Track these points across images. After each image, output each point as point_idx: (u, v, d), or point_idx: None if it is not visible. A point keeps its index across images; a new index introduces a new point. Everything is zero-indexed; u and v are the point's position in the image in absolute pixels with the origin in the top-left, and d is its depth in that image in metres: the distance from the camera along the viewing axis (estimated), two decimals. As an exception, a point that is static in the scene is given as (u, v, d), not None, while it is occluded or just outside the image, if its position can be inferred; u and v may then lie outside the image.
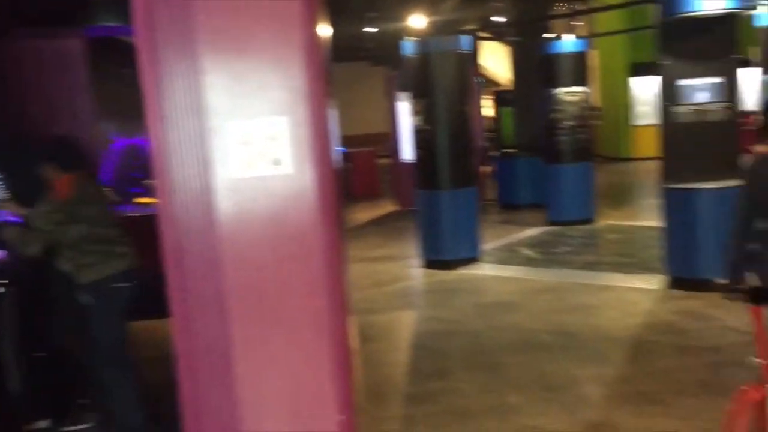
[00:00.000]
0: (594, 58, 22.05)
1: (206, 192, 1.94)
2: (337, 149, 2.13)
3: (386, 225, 11.85)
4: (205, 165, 1.94)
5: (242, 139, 1.93)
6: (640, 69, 17.50)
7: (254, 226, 1.94)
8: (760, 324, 3.25)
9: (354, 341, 2.19)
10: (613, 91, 19.45)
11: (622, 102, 18.97)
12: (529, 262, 8.36)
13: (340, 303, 2.04)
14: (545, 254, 8.65)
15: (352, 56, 23.41)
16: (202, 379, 2.03)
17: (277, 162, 1.94)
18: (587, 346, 5.40)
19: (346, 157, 14.77)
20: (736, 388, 3.29)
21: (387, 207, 13.51)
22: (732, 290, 3.33)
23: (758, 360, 3.27)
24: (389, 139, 14.08)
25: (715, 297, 5.78)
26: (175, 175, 1.95)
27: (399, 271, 8.36)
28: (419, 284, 7.96)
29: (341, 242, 2.11)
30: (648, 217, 9.60)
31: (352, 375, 2.14)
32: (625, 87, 18.81)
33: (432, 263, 8.19)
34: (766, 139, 3.41)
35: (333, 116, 2.10)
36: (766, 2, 8.16)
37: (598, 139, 20.53)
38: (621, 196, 13.14)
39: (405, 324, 6.31)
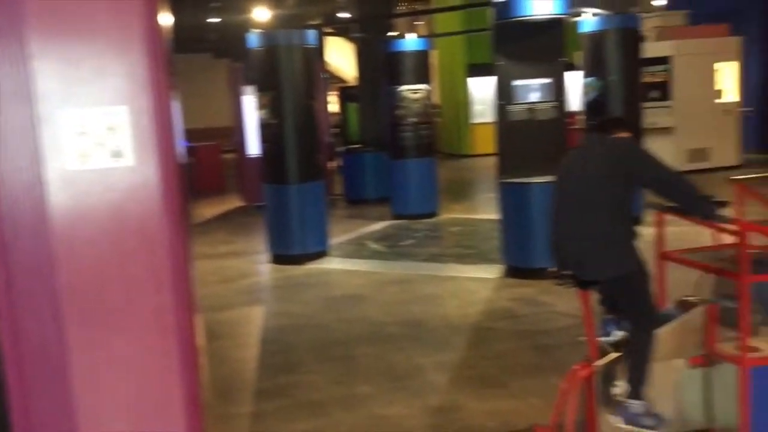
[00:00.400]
0: (435, 58, 22.88)
1: (37, 185, 1.81)
2: (181, 141, 2.06)
3: (232, 220, 11.62)
4: (34, 156, 1.81)
5: (77, 129, 1.82)
6: (478, 69, 18.31)
7: (93, 220, 1.84)
8: (587, 307, 3.54)
9: (201, 338, 2.13)
10: (452, 90, 20.24)
11: (461, 101, 19.78)
12: (376, 255, 8.52)
13: (186, 299, 1.97)
14: (391, 247, 8.85)
15: (194, 47, 22.67)
16: (33, 385, 1.89)
17: (117, 154, 1.84)
18: (432, 335, 5.60)
19: (190, 151, 14.30)
20: (567, 368, 3.56)
21: (233, 202, 13.24)
22: (560, 277, 3.58)
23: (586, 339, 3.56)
24: (234, 132, 13.80)
25: (547, 284, 6.17)
26: None
27: (246, 267, 8.24)
28: (267, 279, 7.88)
29: (187, 237, 2.05)
30: (487, 210, 10.09)
31: (199, 373, 2.08)
32: (464, 86, 19.62)
33: (280, 258, 8.13)
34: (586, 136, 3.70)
35: (177, 107, 2.03)
36: (587, 10, 8.83)
37: (440, 137, 21.35)
38: (462, 191, 13.72)
39: (253, 320, 6.23)
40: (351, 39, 14.05)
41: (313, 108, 8.13)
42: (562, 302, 5.82)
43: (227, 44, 17.31)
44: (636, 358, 3.41)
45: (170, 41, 2.07)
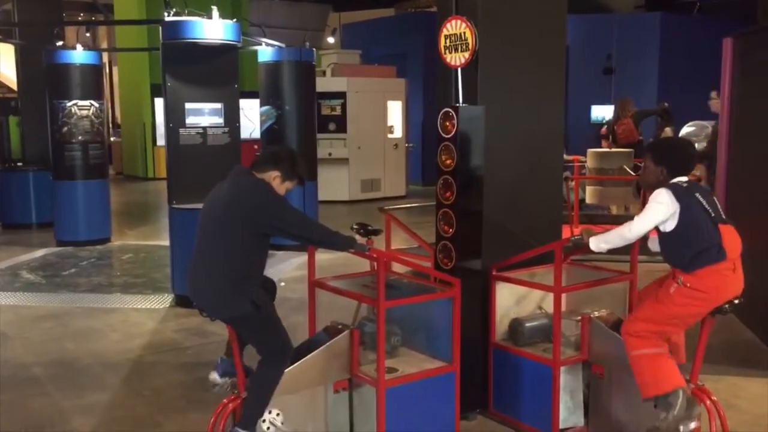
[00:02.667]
0: (116, 75, 21.66)
1: None
2: None
3: None
4: None
5: None
6: (161, 90, 17.65)
7: None
8: (233, 338, 3.47)
9: None
10: (135, 109, 19.27)
11: (145, 121, 18.91)
12: (29, 287, 7.61)
13: None
14: (50, 277, 7.99)
15: None
16: None
17: None
18: (84, 375, 5.09)
19: None
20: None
21: None
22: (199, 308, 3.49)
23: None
24: None
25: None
26: None
27: None
28: None
29: None
30: (164, 236, 9.65)
31: None
32: (148, 107, 18.80)
33: None
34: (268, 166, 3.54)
35: None
36: (262, 40, 8.99)
37: (122, 158, 20.18)
38: (140, 215, 13.02)
39: None
40: (14, 45, 12.56)
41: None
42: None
43: None
44: (257, 391, 3.39)
45: None
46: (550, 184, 4.50)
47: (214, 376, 3.57)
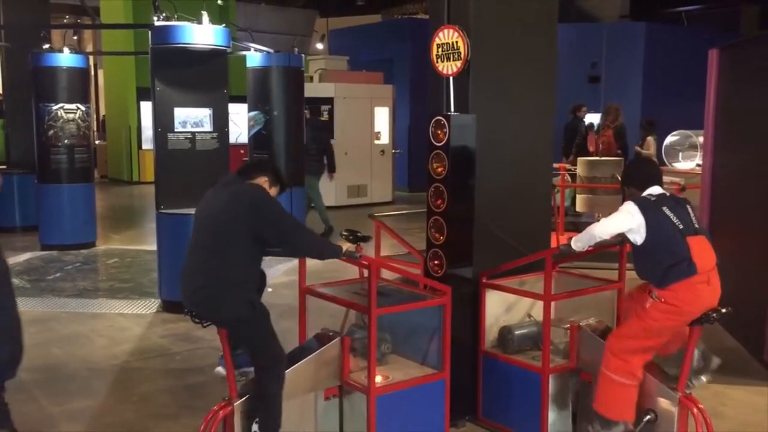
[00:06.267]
0: (103, 78, 21.53)
1: None
2: None
3: None
4: None
5: None
6: (148, 93, 17.54)
7: None
8: (225, 345, 3.46)
9: None
10: (121, 113, 19.14)
11: (131, 125, 18.79)
12: (15, 291, 7.52)
13: None
14: (35, 282, 7.93)
15: None
16: None
17: None
18: (71, 380, 5.06)
19: None
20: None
21: None
22: (190, 314, 3.48)
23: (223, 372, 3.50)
24: None
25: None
26: None
27: None
28: None
29: None
30: (150, 240, 9.60)
31: None
32: (134, 110, 18.69)
33: None
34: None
35: None
36: (251, 45, 8.99)
37: (107, 161, 20.04)
38: (126, 220, 12.94)
39: None
40: (0, 47, 12.46)
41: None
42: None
43: None
44: (265, 401, 3.41)
45: None
46: (540, 193, 4.54)
47: (219, 369, 3.57)
